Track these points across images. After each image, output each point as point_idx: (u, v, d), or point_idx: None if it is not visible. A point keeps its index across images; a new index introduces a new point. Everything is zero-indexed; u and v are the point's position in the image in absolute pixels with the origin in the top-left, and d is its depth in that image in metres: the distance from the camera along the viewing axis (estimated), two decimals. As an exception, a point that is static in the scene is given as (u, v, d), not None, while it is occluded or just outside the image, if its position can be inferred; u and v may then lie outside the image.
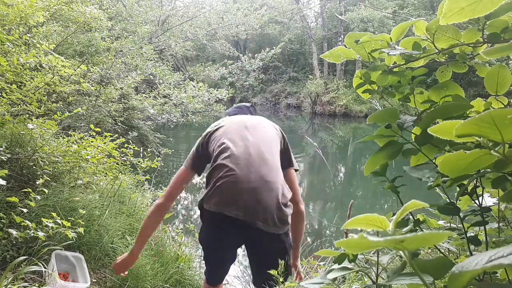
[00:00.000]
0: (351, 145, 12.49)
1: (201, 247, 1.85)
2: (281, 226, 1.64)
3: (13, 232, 1.84)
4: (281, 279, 1.34)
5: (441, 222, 1.18)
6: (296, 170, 1.96)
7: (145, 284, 2.27)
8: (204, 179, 1.80)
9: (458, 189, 0.84)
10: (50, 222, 1.91)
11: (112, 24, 6.96)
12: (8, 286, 1.62)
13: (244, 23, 12.99)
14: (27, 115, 2.87)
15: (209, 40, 14.99)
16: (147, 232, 1.93)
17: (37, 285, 1.84)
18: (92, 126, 2.95)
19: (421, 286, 0.65)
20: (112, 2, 8.82)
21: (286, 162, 1.87)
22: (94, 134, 2.95)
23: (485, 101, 0.98)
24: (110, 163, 2.95)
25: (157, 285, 2.33)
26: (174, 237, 2.99)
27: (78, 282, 2.00)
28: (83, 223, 2.16)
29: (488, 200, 1.02)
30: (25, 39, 3.38)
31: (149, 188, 3.94)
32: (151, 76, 7.63)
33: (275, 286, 1.48)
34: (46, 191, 2.15)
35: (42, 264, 1.85)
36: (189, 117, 7.47)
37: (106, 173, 3.00)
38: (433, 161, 0.89)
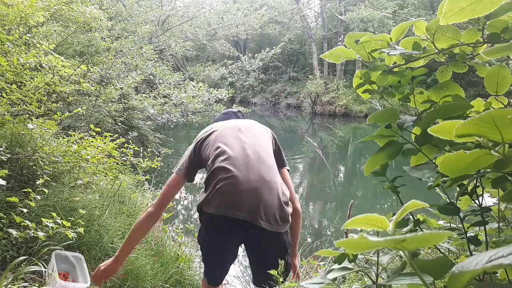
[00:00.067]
0: (351, 145, 12.49)
1: (200, 247, 1.85)
2: (282, 224, 1.67)
3: (13, 232, 1.84)
4: (281, 279, 1.34)
5: (441, 222, 1.18)
6: (288, 170, 1.97)
7: (145, 284, 2.27)
8: (204, 179, 1.80)
9: (458, 189, 0.84)
10: (50, 222, 1.91)
11: (112, 24, 6.96)
12: (8, 286, 1.62)
13: (244, 23, 12.98)
14: (27, 115, 2.87)
15: (209, 40, 14.98)
16: (135, 240, 1.91)
17: (37, 285, 1.84)
18: (92, 126, 2.95)
19: (421, 286, 0.65)
20: (112, 2, 8.82)
21: (279, 162, 1.90)
22: (94, 134, 2.95)
23: (485, 101, 0.98)
24: (110, 163, 2.95)
25: (157, 285, 2.33)
26: (174, 237, 2.99)
27: (78, 282, 2.00)
28: (83, 223, 2.16)
29: (488, 200, 1.02)
30: (25, 39, 3.39)
31: (149, 188, 3.94)
32: (151, 76, 7.63)
33: (275, 286, 1.48)
34: (46, 191, 2.15)
35: (42, 264, 1.85)
36: (189, 117, 7.47)
37: (106, 173, 3.00)
38: (433, 161, 0.89)
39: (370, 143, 1.67)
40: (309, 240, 3.34)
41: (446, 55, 0.96)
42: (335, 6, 22.63)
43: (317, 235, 5.06)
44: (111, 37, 6.85)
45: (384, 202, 7.12)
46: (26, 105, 2.87)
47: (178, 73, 9.07)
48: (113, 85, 5.57)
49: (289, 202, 1.73)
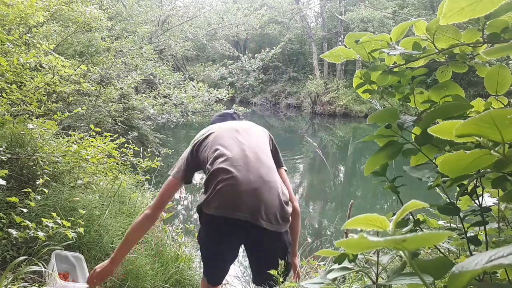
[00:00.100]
0: (351, 145, 12.49)
1: (200, 248, 1.85)
2: (283, 224, 1.67)
3: (13, 232, 1.84)
4: (281, 279, 1.34)
5: (441, 222, 1.18)
6: (285, 170, 1.98)
7: (145, 284, 2.27)
8: (203, 179, 1.80)
9: (458, 189, 0.84)
10: (50, 222, 1.91)
11: (112, 24, 6.96)
12: (8, 286, 1.62)
13: (244, 23, 12.98)
14: (27, 115, 2.87)
15: (209, 40, 14.98)
16: (131, 242, 1.90)
17: (37, 285, 1.84)
18: (92, 126, 2.95)
19: (421, 286, 0.65)
20: (112, 2, 8.82)
21: (277, 163, 1.91)
22: (94, 134, 2.95)
23: (485, 101, 0.98)
24: (110, 163, 2.95)
25: (157, 285, 2.33)
26: (174, 237, 2.99)
27: (78, 282, 2.00)
28: (83, 223, 2.16)
29: (488, 200, 1.02)
30: (25, 39, 3.39)
31: (149, 188, 3.94)
32: (151, 76, 7.62)
33: (275, 286, 1.49)
34: (46, 191, 2.15)
35: (42, 264, 1.85)
36: (189, 117, 7.47)
37: (106, 173, 3.00)
38: (433, 161, 0.89)
39: (370, 143, 1.67)
40: (309, 240, 3.34)
41: (446, 55, 0.96)
42: (335, 6, 22.62)
43: (317, 235, 5.06)
44: (111, 37, 6.85)
45: (384, 202, 7.12)
46: (26, 105, 2.87)
47: (178, 73, 9.06)
48: (113, 85, 5.57)
49: (289, 202, 1.74)
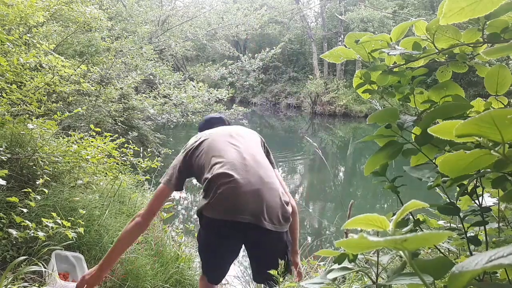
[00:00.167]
0: (351, 145, 12.48)
1: (199, 248, 1.84)
2: (285, 224, 1.69)
3: (13, 232, 1.84)
4: (281, 279, 1.34)
5: (441, 222, 1.18)
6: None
7: (145, 284, 2.27)
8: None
9: (458, 189, 0.84)
10: (50, 222, 1.91)
11: (112, 24, 6.96)
12: (8, 286, 1.62)
13: (244, 23, 12.98)
14: (27, 115, 2.87)
15: (209, 40, 14.98)
16: (121, 251, 1.87)
17: (37, 285, 1.84)
18: (92, 126, 2.95)
19: (421, 286, 0.65)
20: (112, 2, 8.82)
21: (270, 164, 1.91)
22: (94, 134, 2.95)
23: (485, 101, 0.98)
24: (110, 163, 2.96)
25: (157, 285, 2.33)
26: (174, 237, 2.99)
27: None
28: (83, 223, 2.16)
29: (488, 200, 1.02)
30: (25, 39, 3.39)
31: (149, 188, 3.94)
32: (151, 76, 7.62)
33: (275, 286, 1.49)
34: (46, 191, 2.15)
35: (42, 264, 1.85)
36: (189, 117, 7.47)
37: (106, 173, 3.00)
38: (433, 161, 0.89)
39: (370, 143, 1.67)
40: (309, 240, 3.34)
41: (446, 55, 0.96)
42: (335, 6, 22.62)
43: (317, 235, 5.06)
44: (111, 37, 6.85)
45: (384, 202, 7.12)
46: (26, 105, 2.87)
47: (178, 73, 9.06)
48: (113, 85, 5.57)
49: (289, 202, 1.75)
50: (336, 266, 0.78)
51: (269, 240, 1.68)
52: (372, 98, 1.08)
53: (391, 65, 0.98)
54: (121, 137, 3.23)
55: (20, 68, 2.93)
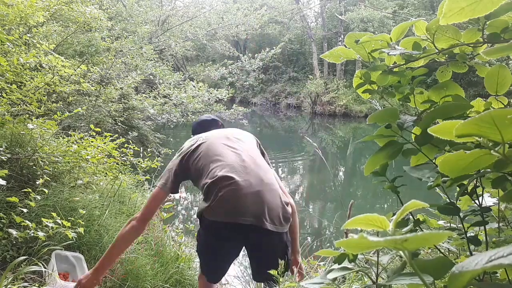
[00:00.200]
0: (351, 145, 12.48)
1: (198, 250, 1.84)
2: (285, 224, 1.69)
3: (13, 232, 1.84)
4: (281, 279, 1.34)
5: (441, 222, 1.18)
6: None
7: (145, 284, 2.27)
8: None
9: (458, 189, 0.84)
10: (50, 222, 1.91)
11: (112, 24, 6.96)
12: (8, 286, 1.62)
13: (244, 23, 12.97)
14: (27, 115, 2.87)
15: (209, 40, 14.97)
16: (116, 254, 1.87)
17: (37, 285, 1.84)
18: (92, 126, 2.95)
19: (421, 286, 0.65)
20: (112, 2, 8.82)
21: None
22: (94, 134, 2.95)
23: (485, 101, 0.98)
24: (110, 163, 2.96)
25: (157, 285, 2.33)
26: (174, 237, 2.99)
27: (78, 282, 1.99)
28: (83, 223, 2.16)
29: (488, 200, 1.02)
30: (25, 39, 3.39)
31: (149, 188, 3.94)
32: (151, 76, 7.62)
33: (275, 286, 1.49)
34: (46, 191, 2.15)
35: (42, 264, 1.85)
36: (189, 117, 7.46)
37: (106, 173, 3.00)
38: (433, 161, 0.89)
39: (370, 143, 1.67)
40: (309, 240, 3.34)
41: (446, 55, 0.96)
42: (335, 6, 22.61)
43: (317, 235, 5.06)
44: (111, 37, 6.85)
45: (384, 202, 7.12)
46: (26, 105, 2.87)
47: (178, 73, 9.06)
48: (113, 85, 5.57)
49: (288, 202, 1.75)
50: (336, 266, 0.78)
51: (270, 241, 1.68)
52: (372, 98, 1.08)
53: (391, 65, 0.98)
54: (121, 137, 3.23)
55: (20, 68, 2.93)
